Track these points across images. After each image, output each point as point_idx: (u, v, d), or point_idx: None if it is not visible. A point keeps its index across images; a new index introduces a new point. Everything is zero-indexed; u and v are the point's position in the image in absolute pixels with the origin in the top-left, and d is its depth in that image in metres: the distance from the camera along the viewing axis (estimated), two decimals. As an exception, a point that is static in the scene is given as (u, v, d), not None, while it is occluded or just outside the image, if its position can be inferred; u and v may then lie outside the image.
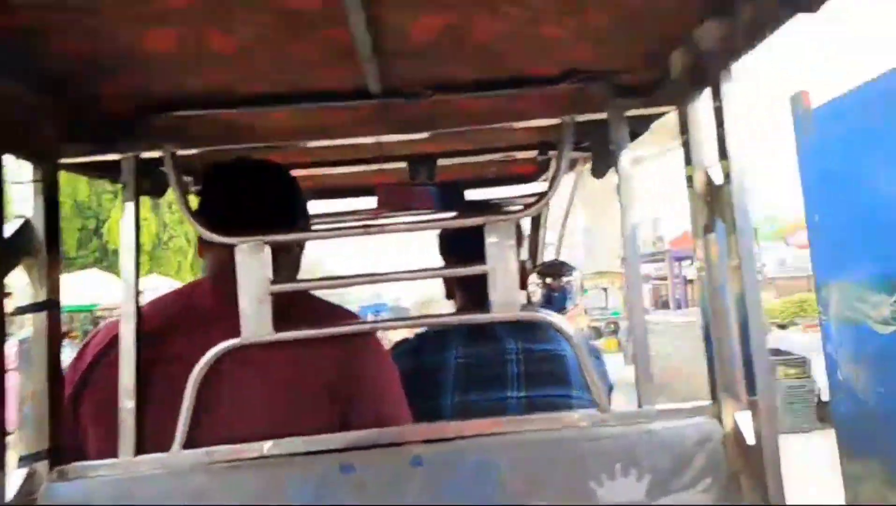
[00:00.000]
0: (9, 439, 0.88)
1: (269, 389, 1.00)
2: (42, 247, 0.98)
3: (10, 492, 0.88)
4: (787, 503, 0.88)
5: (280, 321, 0.91)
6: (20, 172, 0.99)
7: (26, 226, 0.97)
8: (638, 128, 1.31)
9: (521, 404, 1.36)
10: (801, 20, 0.80)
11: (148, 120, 1.11)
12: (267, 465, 0.92)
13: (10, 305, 0.92)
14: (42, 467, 0.93)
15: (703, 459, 0.94)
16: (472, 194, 2.02)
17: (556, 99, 1.17)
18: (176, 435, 0.92)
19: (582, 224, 13.99)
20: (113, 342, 1.00)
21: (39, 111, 0.99)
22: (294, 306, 1.00)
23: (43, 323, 0.97)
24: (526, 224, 2.55)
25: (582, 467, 0.93)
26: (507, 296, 0.94)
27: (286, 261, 1.15)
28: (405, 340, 1.53)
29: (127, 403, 0.94)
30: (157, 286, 9.37)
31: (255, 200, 1.13)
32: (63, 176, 1.09)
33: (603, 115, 1.07)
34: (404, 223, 1.05)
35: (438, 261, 1.54)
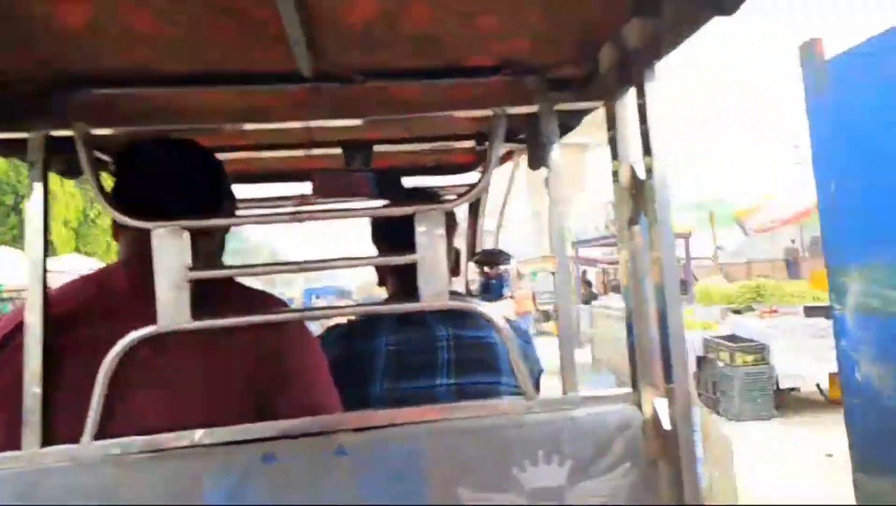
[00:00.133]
0: None
1: (184, 378, 0.97)
2: None
3: None
4: (704, 486, 0.92)
5: (199, 308, 0.88)
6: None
7: None
8: (570, 121, 1.33)
9: (451, 391, 1.37)
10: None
11: (62, 98, 1.05)
12: (185, 456, 0.89)
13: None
14: None
15: (623, 444, 0.97)
16: (411, 182, 2.01)
17: (491, 90, 1.18)
18: (86, 425, 0.87)
19: (531, 209, 14.09)
20: (21, 326, 0.94)
21: None
22: (215, 293, 0.97)
23: None
24: (464, 212, 2.56)
25: (507, 454, 0.94)
26: (437, 285, 0.94)
27: (208, 245, 1.11)
28: (337, 326, 1.51)
29: (33, 389, 0.88)
30: (79, 268, 8.96)
31: (173, 181, 1.08)
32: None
33: (535, 109, 1.08)
34: (333, 210, 1.03)
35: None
